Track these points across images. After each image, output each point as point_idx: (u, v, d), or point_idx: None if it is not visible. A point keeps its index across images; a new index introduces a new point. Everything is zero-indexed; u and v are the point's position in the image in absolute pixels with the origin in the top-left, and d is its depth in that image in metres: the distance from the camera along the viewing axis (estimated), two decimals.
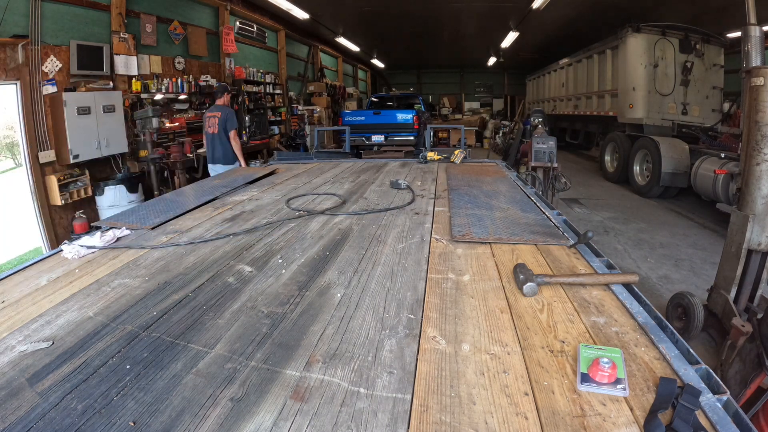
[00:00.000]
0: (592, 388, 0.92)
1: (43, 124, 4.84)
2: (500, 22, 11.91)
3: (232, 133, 5.16)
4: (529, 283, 1.37)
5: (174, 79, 6.98)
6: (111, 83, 5.75)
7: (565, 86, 12.53)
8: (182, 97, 7.18)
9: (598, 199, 7.56)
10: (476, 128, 14.99)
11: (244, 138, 8.08)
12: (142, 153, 5.92)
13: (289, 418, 0.86)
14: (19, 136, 4.81)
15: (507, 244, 1.84)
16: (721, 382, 0.94)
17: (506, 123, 14.03)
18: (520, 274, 1.43)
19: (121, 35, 5.87)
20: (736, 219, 2.89)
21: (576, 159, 12.18)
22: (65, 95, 4.87)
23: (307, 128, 9.66)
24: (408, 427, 0.83)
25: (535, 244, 1.82)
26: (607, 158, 9.32)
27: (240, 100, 8.63)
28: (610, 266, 1.60)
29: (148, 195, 5.68)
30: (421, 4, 10.38)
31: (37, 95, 4.78)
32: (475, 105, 24.12)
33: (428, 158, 4.05)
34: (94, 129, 5.18)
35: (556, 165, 4.84)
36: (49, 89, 4.91)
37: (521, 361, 1.03)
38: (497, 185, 2.98)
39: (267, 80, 10.48)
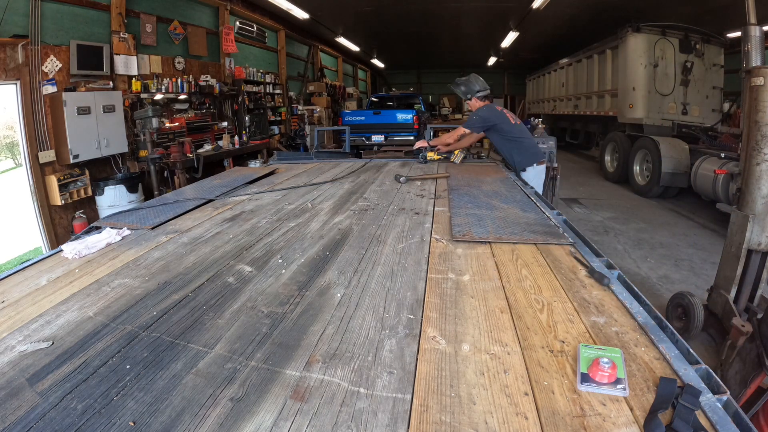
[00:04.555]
0: (592, 388, 0.92)
1: (43, 124, 4.84)
2: (500, 22, 11.91)
3: None
4: (401, 178, 3.00)
5: (174, 79, 6.98)
6: (111, 83, 5.74)
7: (565, 86, 12.53)
8: (182, 97, 7.17)
9: (598, 199, 7.55)
10: None
11: (244, 138, 8.09)
12: (142, 153, 5.92)
13: (289, 418, 0.86)
14: (19, 136, 4.81)
15: (507, 243, 1.83)
16: (721, 382, 0.94)
17: None
18: (400, 176, 3.02)
19: (121, 35, 5.87)
20: (736, 219, 2.89)
21: (576, 159, 12.18)
22: (65, 95, 4.86)
23: (307, 128, 9.65)
24: (408, 427, 0.83)
25: (535, 244, 1.82)
26: (607, 158, 9.32)
27: (240, 100, 8.64)
28: (610, 266, 1.60)
29: (148, 195, 5.68)
30: (421, 4, 10.37)
31: (37, 95, 4.78)
32: None
33: (428, 158, 4.05)
34: (94, 129, 5.18)
35: (556, 165, 4.83)
36: (49, 89, 4.91)
37: (521, 361, 1.03)
38: (497, 185, 2.98)
39: (267, 80, 10.48)
